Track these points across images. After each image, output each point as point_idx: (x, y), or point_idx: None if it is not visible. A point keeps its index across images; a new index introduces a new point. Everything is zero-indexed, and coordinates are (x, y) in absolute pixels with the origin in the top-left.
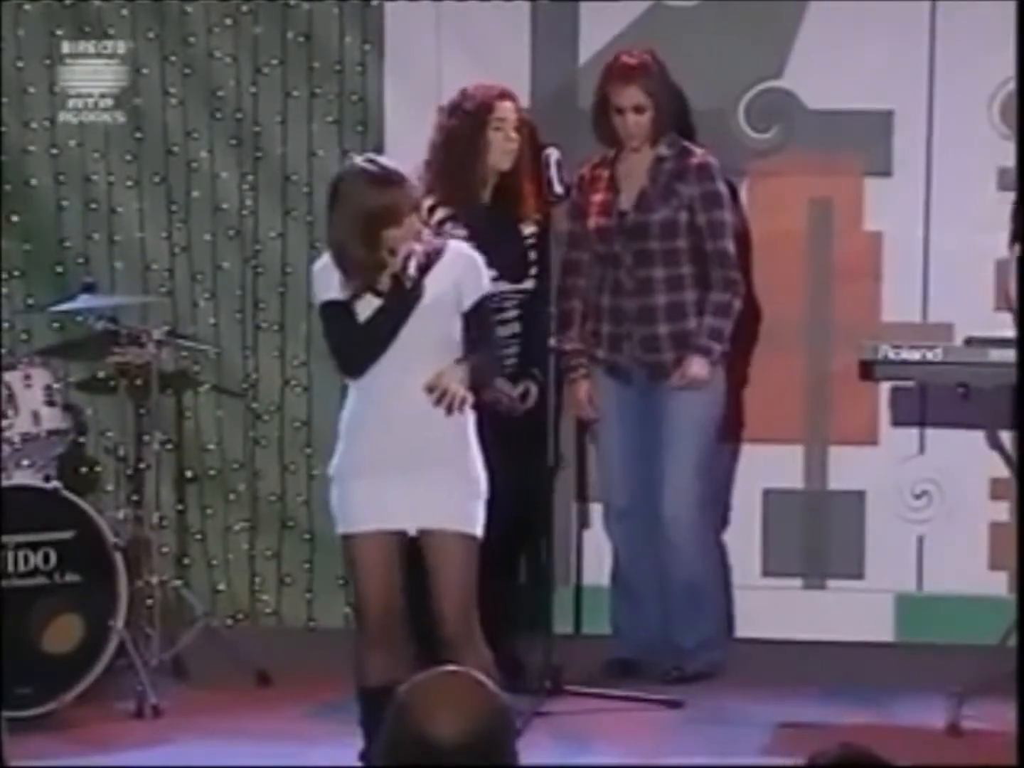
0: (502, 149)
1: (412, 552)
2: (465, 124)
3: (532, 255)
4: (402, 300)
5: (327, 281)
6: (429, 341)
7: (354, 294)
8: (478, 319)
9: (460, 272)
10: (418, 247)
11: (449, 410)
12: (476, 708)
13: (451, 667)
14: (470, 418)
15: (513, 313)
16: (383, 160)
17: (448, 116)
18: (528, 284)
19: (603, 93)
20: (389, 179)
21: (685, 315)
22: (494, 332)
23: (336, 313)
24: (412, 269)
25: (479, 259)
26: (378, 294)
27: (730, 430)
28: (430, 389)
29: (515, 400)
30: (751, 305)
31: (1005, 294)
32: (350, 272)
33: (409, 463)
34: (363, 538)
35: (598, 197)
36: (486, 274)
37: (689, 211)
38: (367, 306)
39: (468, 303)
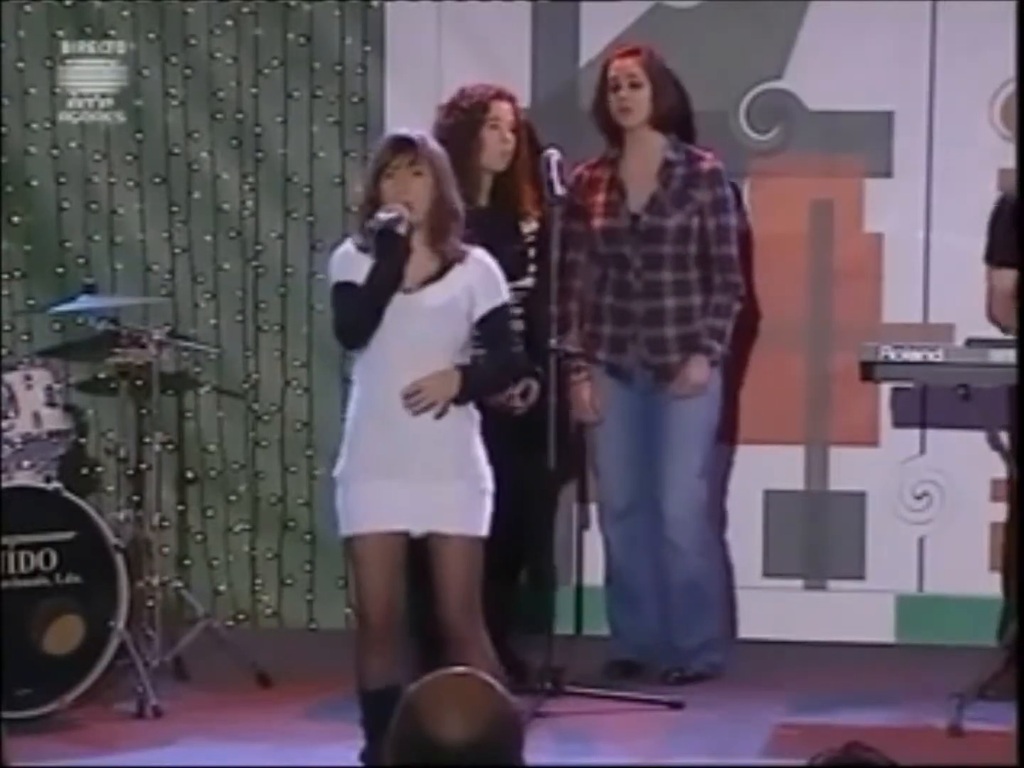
0: (497, 149)
1: (415, 553)
2: (461, 122)
3: (531, 253)
4: (382, 255)
5: (341, 265)
6: (435, 344)
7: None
8: (490, 329)
9: (474, 278)
10: (403, 209)
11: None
12: (484, 711)
13: (461, 668)
14: (475, 418)
15: (515, 311)
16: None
17: (445, 115)
18: (527, 282)
19: (602, 78)
20: (397, 138)
21: (692, 318)
22: (507, 345)
23: (345, 292)
24: (385, 219)
25: (497, 270)
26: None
27: (730, 431)
28: (407, 395)
29: (515, 398)
30: (752, 306)
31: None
32: (361, 210)
33: (414, 464)
34: (366, 539)
35: (601, 198)
36: (503, 286)
37: (700, 216)
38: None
39: (480, 312)
